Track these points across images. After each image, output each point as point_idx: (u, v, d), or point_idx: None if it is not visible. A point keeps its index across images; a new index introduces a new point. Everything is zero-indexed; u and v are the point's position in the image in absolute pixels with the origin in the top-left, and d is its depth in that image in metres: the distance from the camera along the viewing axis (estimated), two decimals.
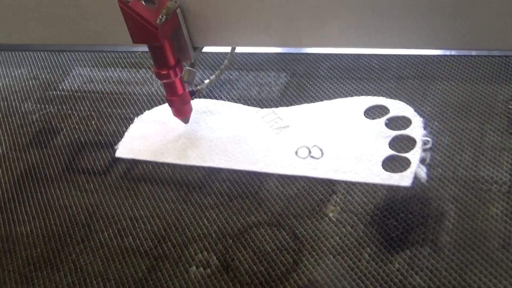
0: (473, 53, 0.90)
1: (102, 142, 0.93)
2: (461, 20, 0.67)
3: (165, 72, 0.79)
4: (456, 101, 0.83)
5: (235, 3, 0.73)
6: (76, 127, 0.98)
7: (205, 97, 0.96)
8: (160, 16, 0.72)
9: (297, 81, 0.95)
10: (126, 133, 0.93)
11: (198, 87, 0.91)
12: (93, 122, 0.98)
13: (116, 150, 0.90)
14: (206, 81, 0.93)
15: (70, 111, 1.02)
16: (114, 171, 0.87)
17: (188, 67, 0.86)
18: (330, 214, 0.72)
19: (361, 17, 0.70)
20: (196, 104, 0.95)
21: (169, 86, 0.83)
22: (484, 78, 0.86)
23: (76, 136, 0.96)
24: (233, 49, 0.92)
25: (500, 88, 0.84)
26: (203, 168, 0.83)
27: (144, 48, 1.11)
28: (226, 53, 0.96)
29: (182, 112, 0.87)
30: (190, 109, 0.88)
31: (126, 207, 0.80)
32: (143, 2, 0.72)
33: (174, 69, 0.79)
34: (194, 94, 0.89)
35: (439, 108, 0.83)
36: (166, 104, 0.96)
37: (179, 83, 0.83)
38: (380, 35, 0.71)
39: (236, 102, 0.94)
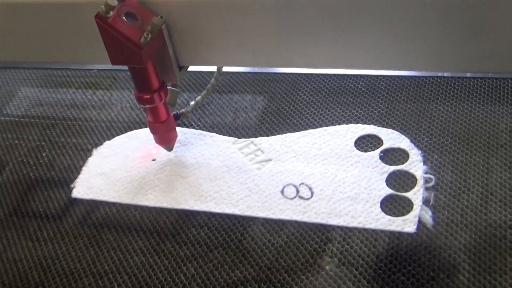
0: (468, 75, 0.83)
1: (56, 179, 0.81)
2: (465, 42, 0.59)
3: (148, 97, 0.69)
4: (455, 130, 0.76)
5: (229, 19, 0.62)
6: (25, 160, 0.86)
7: None
8: (145, 34, 0.61)
9: (276, 106, 0.86)
10: (83, 168, 0.81)
11: (183, 110, 0.80)
12: (44, 155, 0.86)
13: (72, 189, 0.79)
14: (192, 102, 0.83)
15: (16, 141, 0.89)
16: (71, 215, 0.75)
17: (170, 87, 0.75)
18: (327, 267, 0.63)
19: (358, 36, 0.61)
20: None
21: (152, 111, 0.72)
22: (482, 103, 0.79)
23: (24, 172, 0.83)
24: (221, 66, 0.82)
25: (501, 115, 0.76)
26: (176, 211, 0.73)
27: (100, 65, 1.00)
28: (210, 72, 0.86)
29: (166, 140, 0.77)
30: (175, 136, 0.78)
31: (87, 261, 0.69)
32: (124, 18, 0.61)
33: (159, 93, 0.69)
34: (179, 118, 0.80)
35: (437, 138, 0.75)
36: (129, 134, 0.86)
37: (163, 107, 0.72)
38: (382, 56, 0.62)
39: (208, 130, 0.84)
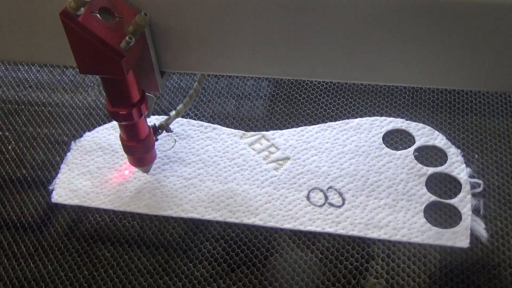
0: None
1: (29, 178, 0.68)
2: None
3: (125, 112, 0.54)
4: (492, 125, 0.68)
5: (226, 16, 0.48)
6: None
7: (164, 113, 0.74)
8: (127, 38, 0.46)
9: (285, 93, 0.76)
10: (62, 166, 0.69)
11: (162, 121, 0.66)
12: (9, 147, 0.72)
13: (52, 192, 0.66)
14: (172, 112, 0.67)
15: None
16: (54, 225, 0.63)
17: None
18: None
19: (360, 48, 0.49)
20: (154, 122, 0.72)
21: (129, 128, 0.58)
22: None
23: None
24: None
25: None
26: (184, 220, 0.62)
27: None
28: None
29: (144, 161, 0.63)
30: (155, 156, 0.64)
31: (80, 283, 0.58)
32: (98, 15, 0.46)
33: (138, 107, 0.54)
34: (157, 132, 0.65)
35: (474, 135, 0.67)
36: (114, 123, 0.73)
37: (144, 124, 0.58)
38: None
39: (209, 121, 0.73)
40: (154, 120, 0.72)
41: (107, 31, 0.46)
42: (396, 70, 0.49)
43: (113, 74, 0.49)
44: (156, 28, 0.50)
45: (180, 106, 0.66)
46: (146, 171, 0.65)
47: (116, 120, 0.56)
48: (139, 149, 0.60)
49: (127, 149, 0.60)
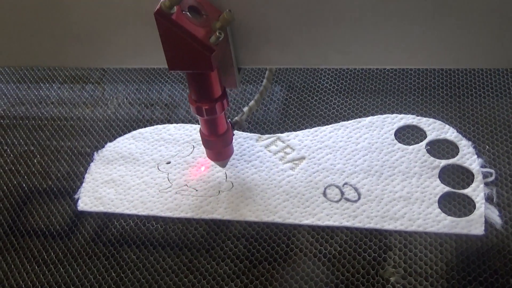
0: None
1: (55, 189, 0.71)
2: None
3: (209, 107, 0.57)
4: (502, 117, 0.70)
5: (308, 10, 0.50)
6: (12, 168, 0.74)
7: (182, 121, 0.77)
8: (217, 33, 0.48)
9: (298, 96, 0.78)
10: (86, 176, 0.71)
11: (237, 118, 0.68)
12: (35, 161, 0.75)
13: (77, 201, 0.69)
14: (245, 108, 0.68)
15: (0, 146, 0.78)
16: (81, 231, 0.65)
17: None
18: (392, 279, 0.56)
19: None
20: (173, 130, 0.75)
21: (210, 123, 0.61)
22: None
23: (14, 182, 0.72)
24: None
25: None
26: (205, 221, 0.64)
27: None
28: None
29: (223, 155, 0.65)
30: (232, 151, 0.67)
31: (109, 285, 0.60)
32: (188, 13, 0.49)
33: (221, 101, 0.57)
34: (232, 128, 0.66)
35: (484, 127, 0.69)
36: (133, 133, 0.76)
37: (223, 118, 0.61)
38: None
39: None
40: None
41: (197, 28, 0.49)
42: (403, 53, 0.51)
43: (203, 69, 0.51)
44: (235, 25, 0.52)
45: (252, 103, 0.69)
46: (223, 165, 0.67)
47: (199, 115, 0.59)
48: (219, 143, 0.63)
49: (208, 143, 0.63)
